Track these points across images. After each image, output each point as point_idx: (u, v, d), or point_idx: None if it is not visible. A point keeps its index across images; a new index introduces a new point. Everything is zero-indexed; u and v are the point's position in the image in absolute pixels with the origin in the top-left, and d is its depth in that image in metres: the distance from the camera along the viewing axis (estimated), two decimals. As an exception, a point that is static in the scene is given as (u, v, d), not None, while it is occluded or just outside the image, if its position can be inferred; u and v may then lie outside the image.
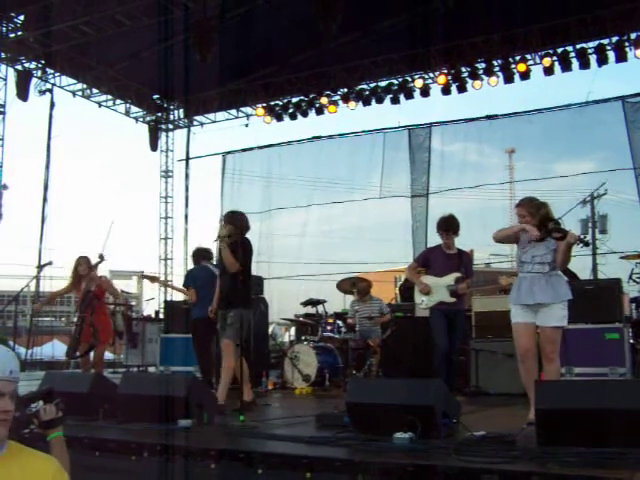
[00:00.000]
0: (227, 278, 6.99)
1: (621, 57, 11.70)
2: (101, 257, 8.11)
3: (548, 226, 5.45)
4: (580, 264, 12.71)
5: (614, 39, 11.67)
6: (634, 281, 9.35)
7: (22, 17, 12.02)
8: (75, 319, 8.08)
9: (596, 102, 12.66)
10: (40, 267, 10.47)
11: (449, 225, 7.64)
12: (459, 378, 8.09)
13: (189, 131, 16.56)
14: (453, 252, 7.65)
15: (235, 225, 7.00)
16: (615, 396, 4.20)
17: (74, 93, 14.46)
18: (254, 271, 8.96)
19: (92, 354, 8.22)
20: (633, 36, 11.51)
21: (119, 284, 21.17)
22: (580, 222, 23.08)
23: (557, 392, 4.50)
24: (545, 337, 5.47)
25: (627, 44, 11.60)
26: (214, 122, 16.26)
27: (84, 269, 8.12)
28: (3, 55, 12.94)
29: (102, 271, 8.78)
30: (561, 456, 3.81)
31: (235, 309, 6.88)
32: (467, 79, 12.89)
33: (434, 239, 7.89)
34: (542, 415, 4.27)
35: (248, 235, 7.29)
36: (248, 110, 15.64)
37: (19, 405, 2.79)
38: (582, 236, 5.63)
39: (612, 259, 15.23)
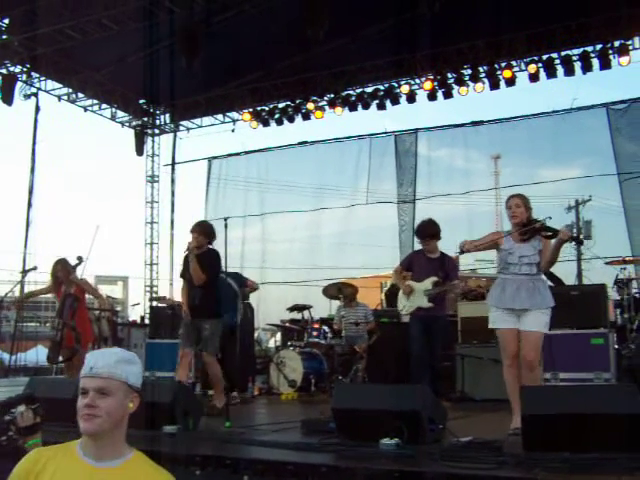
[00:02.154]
0: (197, 289, 7.01)
1: (605, 64, 11.78)
2: (79, 259, 7.92)
3: (536, 224, 5.40)
4: (565, 270, 12.79)
5: (598, 47, 11.75)
6: (619, 286, 9.41)
7: (7, 20, 11.93)
8: (56, 323, 7.96)
9: (581, 109, 12.76)
10: (24, 272, 10.36)
11: (425, 232, 7.66)
12: (444, 383, 8.07)
13: (175, 136, 16.49)
14: (435, 256, 7.62)
15: (205, 235, 7.07)
16: (600, 401, 4.22)
17: (59, 97, 14.37)
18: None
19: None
20: (617, 44, 11.59)
21: (104, 289, 21.13)
22: (565, 228, 23.22)
23: (543, 398, 4.51)
24: (529, 343, 5.32)
25: (611, 52, 11.67)
26: (200, 127, 16.20)
27: (61, 272, 8.00)
28: (-12, 59, 12.86)
29: (88, 276, 8.70)
30: (547, 462, 3.83)
31: (209, 320, 6.99)
32: (453, 85, 12.93)
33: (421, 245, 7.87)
34: (528, 420, 4.28)
35: (236, 241, 7.42)
36: (235, 115, 15.62)
37: None
38: (574, 234, 5.51)
39: (597, 265, 15.33)
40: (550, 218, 5.44)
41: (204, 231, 7.11)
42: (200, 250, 6.98)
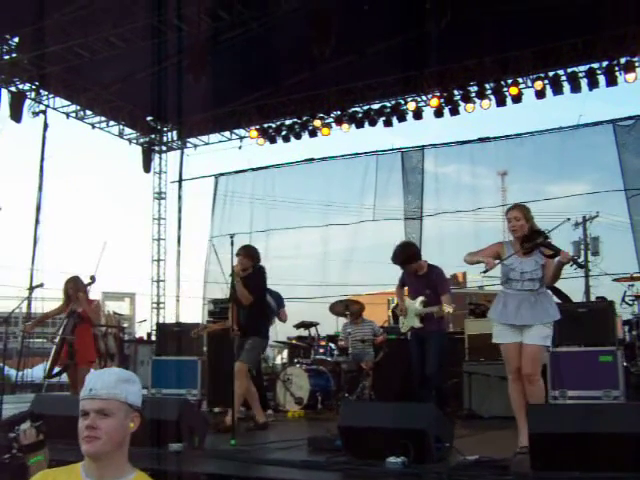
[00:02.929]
0: (244, 309, 7.35)
1: (611, 81, 11.81)
2: (92, 279, 7.95)
3: (537, 240, 5.32)
4: (573, 286, 12.74)
5: (604, 63, 11.79)
6: (627, 303, 9.36)
7: (16, 39, 12.05)
8: (57, 339, 7.94)
9: (587, 125, 12.77)
10: (31, 289, 10.37)
11: (397, 260, 7.61)
12: (452, 402, 8.00)
13: (182, 153, 16.55)
14: (423, 272, 7.55)
15: (249, 257, 7.48)
16: (609, 420, 4.17)
17: (68, 114, 14.46)
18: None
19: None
20: (623, 61, 11.62)
21: (111, 305, 21.11)
22: (572, 244, 23.19)
23: (550, 416, 4.47)
24: (527, 355, 5.25)
25: (617, 68, 11.70)
26: (207, 144, 16.27)
27: (72, 289, 8.01)
28: (-3, 76, 12.97)
29: (95, 292, 8.65)
30: (555, 481, 3.79)
31: (252, 337, 7.36)
32: (459, 102, 12.96)
33: (427, 261, 7.82)
34: (536, 439, 4.24)
35: None
36: (241, 132, 15.68)
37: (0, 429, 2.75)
38: (575, 257, 5.42)
39: (605, 281, 15.28)
40: (549, 231, 5.36)
41: (248, 254, 7.51)
42: (245, 272, 7.37)
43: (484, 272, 5.42)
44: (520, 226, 5.43)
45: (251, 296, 7.30)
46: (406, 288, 7.79)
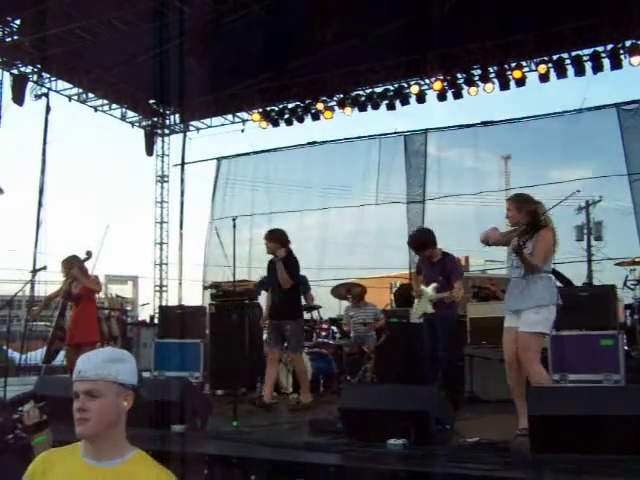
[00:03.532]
0: (278, 291, 7.52)
1: (616, 64, 11.75)
2: (88, 254, 7.89)
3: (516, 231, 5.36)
4: (575, 271, 12.75)
5: (609, 47, 11.72)
6: (628, 287, 9.37)
7: (18, 21, 12.00)
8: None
9: (591, 109, 12.72)
10: (34, 272, 10.41)
11: (412, 244, 7.80)
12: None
13: (185, 136, 16.53)
14: (437, 259, 7.59)
15: (276, 241, 7.57)
16: (609, 403, 4.19)
17: (70, 97, 14.44)
18: (248, 276, 9.01)
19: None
20: (628, 44, 11.55)
21: (114, 289, 21.18)
22: (575, 229, 23.17)
23: (550, 398, 4.49)
24: (518, 343, 5.29)
25: (622, 52, 11.64)
26: (210, 127, 16.25)
27: (65, 269, 7.97)
28: (-1, 59, 12.95)
29: (98, 274, 8.62)
30: (554, 463, 3.82)
31: (290, 320, 7.51)
32: (463, 85, 12.90)
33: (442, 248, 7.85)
34: (535, 422, 4.26)
35: (244, 241, 7.64)
36: (244, 115, 15.64)
37: (3, 410, 2.78)
38: (516, 245, 5.32)
39: (607, 266, 15.27)
40: (552, 207, 5.49)
41: (274, 237, 7.63)
42: (280, 255, 7.45)
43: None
44: (511, 217, 5.52)
45: (290, 279, 7.44)
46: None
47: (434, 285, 7.38)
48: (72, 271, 7.87)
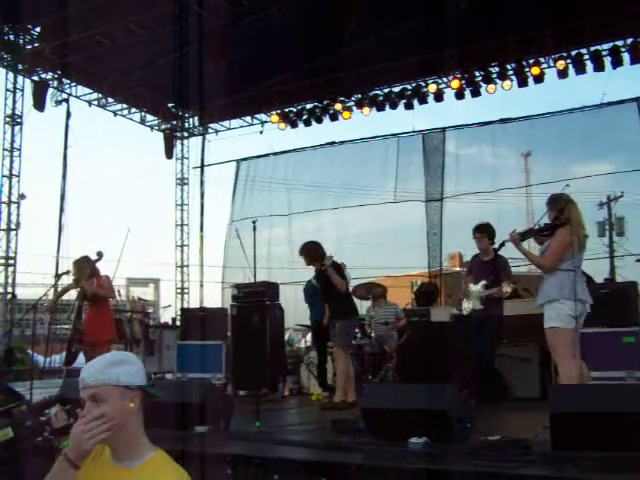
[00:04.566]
0: (331, 295, 7.99)
1: (636, 58, 11.65)
2: (99, 254, 7.96)
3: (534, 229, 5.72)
4: (598, 267, 12.64)
5: (629, 40, 11.63)
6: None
7: (38, 29, 12.17)
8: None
9: (611, 104, 12.60)
10: (58, 276, 10.51)
11: (476, 226, 7.91)
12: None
13: (204, 138, 16.62)
14: (488, 258, 7.71)
15: (308, 257, 8.13)
16: (631, 400, 4.17)
17: (90, 103, 14.61)
18: (268, 277, 9.08)
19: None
20: (648, 37, 11.45)
21: (136, 291, 21.33)
22: (597, 224, 22.96)
23: (572, 396, 4.47)
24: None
25: (642, 45, 11.53)
26: (229, 129, 16.34)
27: (75, 271, 8.02)
28: (20, 66, 13.11)
29: (119, 278, 8.71)
30: (576, 460, 3.80)
31: (339, 320, 7.90)
32: (481, 83, 12.87)
33: (449, 243, 7.96)
34: (557, 419, 4.25)
35: (263, 242, 7.89)
36: (263, 117, 15.71)
37: (31, 413, 2.82)
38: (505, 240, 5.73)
39: (630, 261, 15.13)
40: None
41: (304, 253, 8.19)
42: (329, 263, 7.89)
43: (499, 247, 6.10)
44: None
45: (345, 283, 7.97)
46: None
47: (483, 282, 7.52)
48: (81, 277, 7.92)
